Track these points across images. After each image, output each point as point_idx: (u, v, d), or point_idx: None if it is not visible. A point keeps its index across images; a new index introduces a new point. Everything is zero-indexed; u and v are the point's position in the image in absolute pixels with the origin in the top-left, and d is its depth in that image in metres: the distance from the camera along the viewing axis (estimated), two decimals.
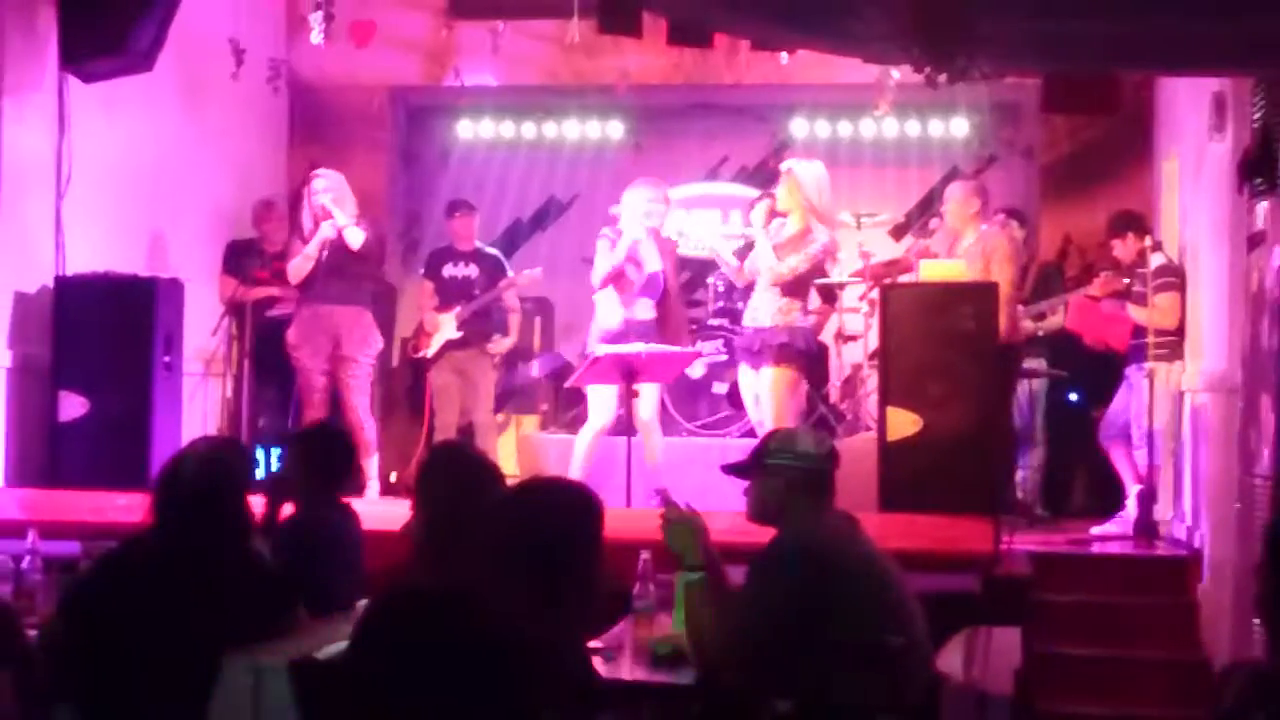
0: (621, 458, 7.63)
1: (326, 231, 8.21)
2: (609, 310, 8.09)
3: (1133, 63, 6.56)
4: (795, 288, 7.67)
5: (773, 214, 7.82)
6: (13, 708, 2.76)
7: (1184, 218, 8.43)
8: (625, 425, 7.76)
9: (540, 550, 2.94)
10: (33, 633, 4.09)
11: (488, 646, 2.37)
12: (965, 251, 8.04)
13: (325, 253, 8.19)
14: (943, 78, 5.59)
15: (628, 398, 7.76)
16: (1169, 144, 9.05)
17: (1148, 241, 8.13)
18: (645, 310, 8.12)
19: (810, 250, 7.59)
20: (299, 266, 8.24)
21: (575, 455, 8.01)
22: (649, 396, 8.02)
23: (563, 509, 3.05)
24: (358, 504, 5.21)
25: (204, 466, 4.16)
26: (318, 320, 8.24)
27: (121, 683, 3.87)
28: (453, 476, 4.44)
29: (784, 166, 7.92)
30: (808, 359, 7.70)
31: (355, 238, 8.19)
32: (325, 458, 5.19)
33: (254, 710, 3.54)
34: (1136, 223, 8.50)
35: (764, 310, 7.68)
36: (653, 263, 8.11)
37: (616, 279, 8.05)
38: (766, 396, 7.57)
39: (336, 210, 8.19)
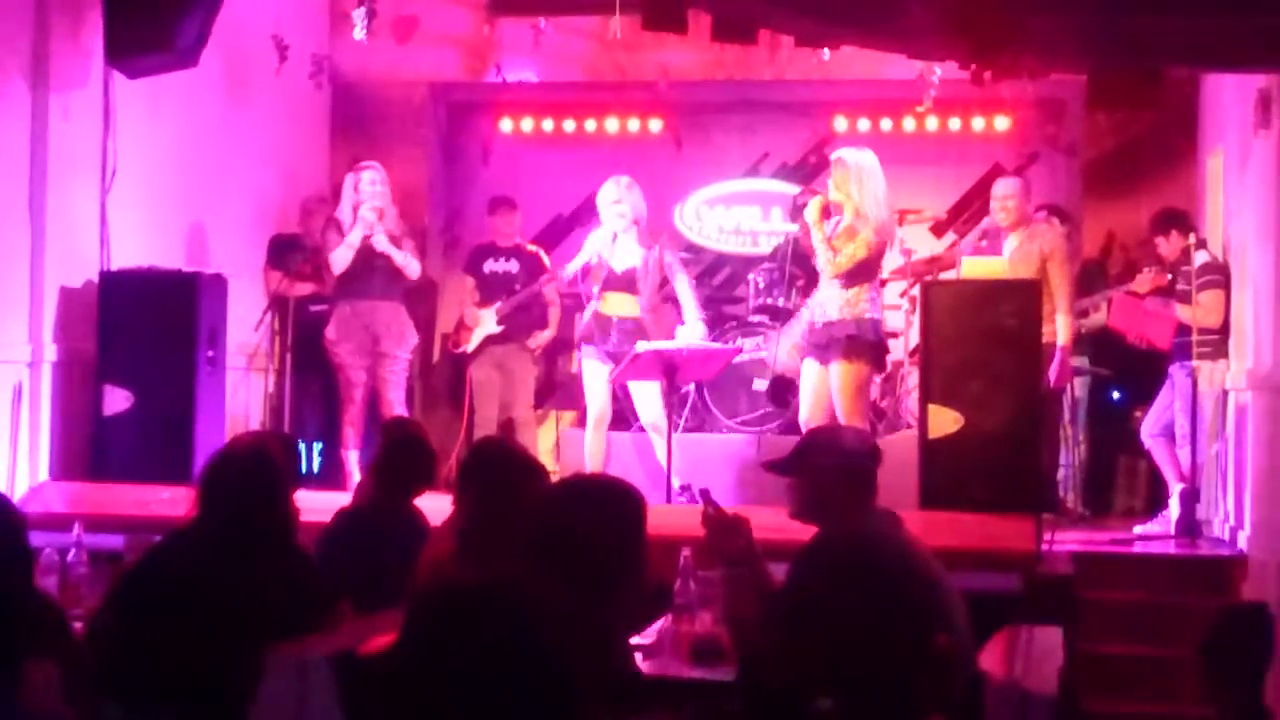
0: (661, 455, 7.65)
1: (367, 215, 8.25)
2: (589, 309, 8.18)
3: (1180, 59, 6.52)
4: (860, 276, 7.40)
5: (826, 209, 7.55)
6: (60, 703, 2.78)
7: (1229, 215, 8.37)
8: (668, 422, 7.77)
9: (585, 547, 2.94)
10: (78, 625, 4.13)
11: (532, 642, 2.37)
12: (1017, 249, 7.98)
13: (371, 237, 8.25)
14: (989, 74, 5.56)
15: (669, 394, 7.77)
16: (1213, 140, 8.98)
17: (1192, 239, 8.07)
18: (624, 306, 8.10)
19: (865, 237, 7.36)
20: (342, 256, 8.28)
21: (586, 456, 8.09)
22: (651, 398, 8.01)
23: (607, 506, 3.05)
24: None
25: (249, 461, 4.19)
26: (358, 317, 8.30)
27: (166, 677, 3.89)
28: (496, 472, 4.46)
29: (834, 155, 7.76)
30: (876, 352, 7.47)
31: (414, 270, 8.44)
32: (407, 459, 5.24)
33: (298, 705, 3.55)
34: (1180, 220, 8.44)
35: (832, 303, 7.42)
36: (627, 259, 8.11)
37: (584, 275, 8.11)
38: (836, 393, 7.37)
39: (381, 216, 8.28)
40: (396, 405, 8.30)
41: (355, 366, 8.31)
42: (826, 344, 7.42)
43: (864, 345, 7.36)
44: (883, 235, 7.44)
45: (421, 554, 4.58)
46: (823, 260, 7.46)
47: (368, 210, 8.28)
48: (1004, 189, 8.27)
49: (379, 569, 4.68)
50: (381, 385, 8.32)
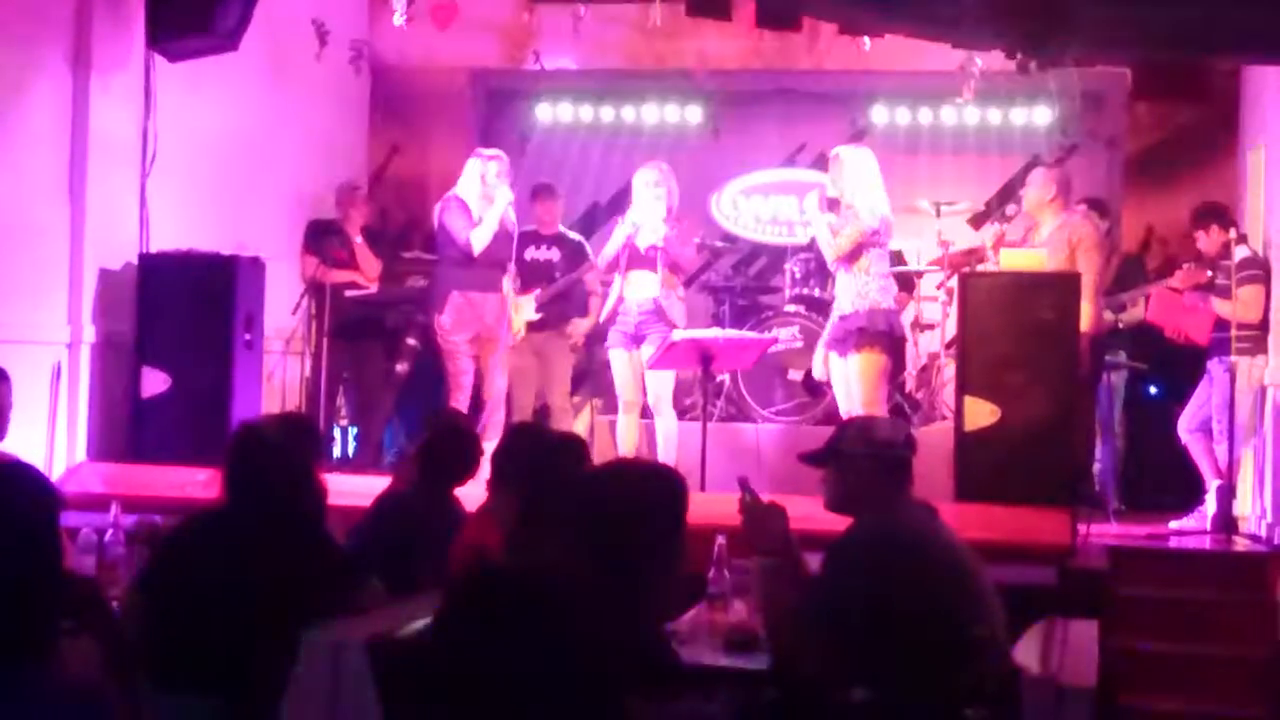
0: (661, 438, 7.69)
1: (504, 200, 8.21)
2: (613, 293, 8.20)
3: (1226, 51, 6.48)
4: (857, 260, 7.50)
5: (826, 202, 7.68)
6: (99, 680, 2.79)
7: (1270, 209, 8.30)
8: (703, 409, 7.78)
9: (623, 533, 2.93)
10: (114, 604, 4.15)
11: (567, 628, 2.37)
12: (1048, 239, 7.96)
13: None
14: (1035, 63, 5.53)
15: (705, 382, 7.79)
16: (1255, 134, 8.91)
17: (1232, 234, 8.01)
18: (646, 286, 8.10)
19: (856, 223, 7.47)
20: (482, 237, 8.24)
21: (619, 441, 8.14)
22: (659, 383, 8.04)
23: (647, 492, 3.04)
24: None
25: (271, 442, 4.19)
26: (471, 306, 8.26)
27: (197, 659, 3.91)
28: (529, 457, 4.47)
29: (832, 153, 7.89)
30: (891, 340, 7.55)
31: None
32: (451, 450, 5.27)
33: (333, 688, 3.56)
34: (1221, 214, 8.38)
35: (845, 296, 7.60)
36: (651, 238, 8.09)
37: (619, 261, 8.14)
38: (854, 383, 7.48)
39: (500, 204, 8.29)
40: (499, 388, 8.36)
41: (465, 355, 8.32)
42: (843, 337, 7.59)
43: (876, 335, 7.47)
44: (877, 223, 7.51)
45: (456, 540, 4.60)
46: (823, 245, 7.66)
47: (505, 195, 8.27)
48: (1030, 178, 8.26)
49: (416, 554, 4.69)
50: (488, 369, 8.36)
